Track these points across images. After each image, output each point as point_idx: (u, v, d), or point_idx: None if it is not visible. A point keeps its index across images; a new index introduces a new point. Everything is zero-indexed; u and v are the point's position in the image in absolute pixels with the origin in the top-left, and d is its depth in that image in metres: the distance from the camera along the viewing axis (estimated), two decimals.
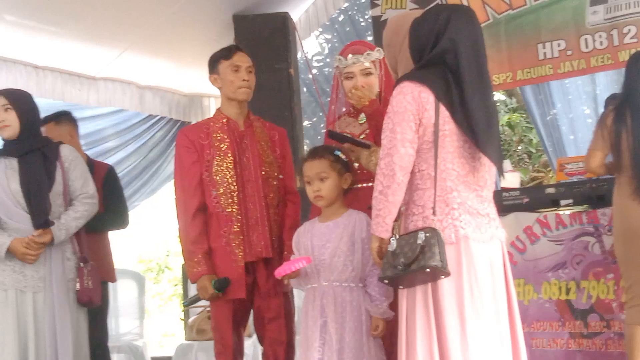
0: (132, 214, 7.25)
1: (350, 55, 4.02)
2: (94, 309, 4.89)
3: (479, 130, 3.10)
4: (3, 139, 4.37)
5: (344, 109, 4.20)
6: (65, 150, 4.34)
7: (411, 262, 3.01)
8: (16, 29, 5.79)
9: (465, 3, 6.28)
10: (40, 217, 4.19)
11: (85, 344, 4.33)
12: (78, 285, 4.22)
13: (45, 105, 6.39)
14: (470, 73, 3.13)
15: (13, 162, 4.26)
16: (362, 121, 4.04)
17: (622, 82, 4.73)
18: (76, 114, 6.73)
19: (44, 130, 4.72)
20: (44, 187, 4.22)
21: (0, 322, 4.19)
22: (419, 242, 3.00)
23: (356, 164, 3.86)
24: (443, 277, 3.02)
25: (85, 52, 6.29)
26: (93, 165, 5.12)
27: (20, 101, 4.32)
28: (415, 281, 3.08)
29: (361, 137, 4.01)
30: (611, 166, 4.65)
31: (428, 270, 2.99)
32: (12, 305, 4.18)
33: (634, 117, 4.53)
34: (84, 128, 6.84)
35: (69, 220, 4.24)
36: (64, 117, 5.13)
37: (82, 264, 4.28)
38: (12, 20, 5.70)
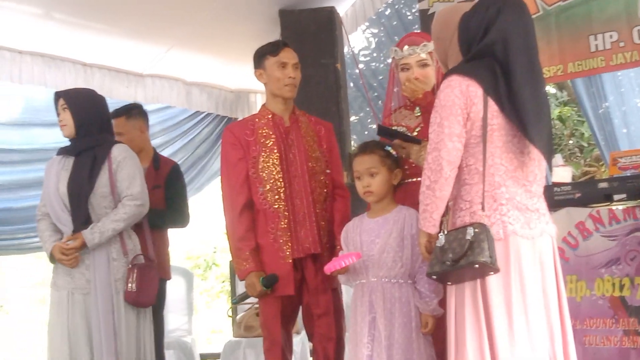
0: None
1: (406, 47, 4.02)
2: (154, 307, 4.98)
3: (528, 122, 3.07)
4: (66, 138, 4.48)
5: (393, 103, 4.21)
6: (116, 151, 4.37)
7: (460, 258, 3.02)
8: (64, 27, 5.87)
9: None
10: (79, 221, 4.25)
11: (148, 344, 4.37)
12: (125, 287, 4.26)
13: None
14: (520, 65, 3.10)
15: (69, 162, 4.36)
16: (418, 114, 4.04)
17: None
18: None
19: (115, 123, 4.77)
20: (85, 190, 4.27)
21: (53, 321, 4.29)
22: (468, 237, 3.00)
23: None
24: (492, 273, 3.02)
25: (133, 49, 6.35)
26: (159, 161, 5.19)
27: (75, 101, 4.40)
28: (463, 277, 3.09)
29: (417, 129, 4.01)
30: None
31: (477, 266, 2.99)
32: (64, 306, 4.27)
33: None
34: None
35: (107, 223, 4.24)
36: (135, 112, 5.18)
37: (130, 265, 4.30)
38: (61, 18, 5.78)
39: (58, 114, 4.43)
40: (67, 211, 4.29)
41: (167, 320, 6.30)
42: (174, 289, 6.38)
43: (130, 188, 4.33)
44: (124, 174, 4.34)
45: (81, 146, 4.36)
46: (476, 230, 3.01)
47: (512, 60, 3.11)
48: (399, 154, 3.73)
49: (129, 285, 4.25)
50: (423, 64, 3.99)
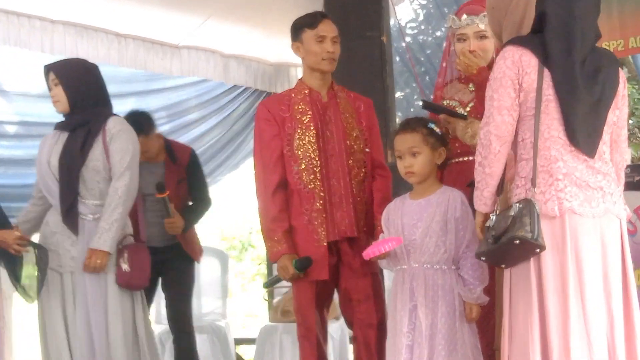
0: (215, 189, 7.40)
1: (464, 16, 3.95)
2: (179, 290, 5.00)
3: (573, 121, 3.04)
4: (60, 113, 4.45)
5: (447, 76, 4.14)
6: (111, 123, 4.32)
7: (501, 235, 3.00)
8: None
9: None
10: (67, 194, 4.24)
11: (139, 328, 4.34)
12: (117, 268, 4.23)
13: (128, 74, 6.54)
14: (562, 41, 3.06)
15: (64, 137, 4.34)
16: (472, 88, 3.98)
17: None
18: (158, 84, 6.92)
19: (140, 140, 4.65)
20: (76, 163, 4.25)
21: (47, 305, 4.30)
22: (511, 214, 2.98)
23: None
24: (538, 250, 2.97)
25: (168, 19, 6.36)
26: (172, 150, 5.19)
27: (68, 75, 4.36)
28: (513, 258, 3.05)
29: (470, 104, 3.97)
30: None
31: (517, 242, 2.95)
32: (55, 286, 4.28)
33: None
34: (166, 99, 7.00)
35: (107, 222, 4.18)
36: (148, 126, 5.12)
37: (120, 246, 4.26)
38: None
39: (50, 89, 4.39)
40: (57, 184, 4.29)
41: (200, 304, 6.37)
42: (208, 271, 6.42)
43: (121, 162, 4.26)
44: (117, 146, 4.29)
45: (76, 121, 4.34)
46: (520, 205, 2.98)
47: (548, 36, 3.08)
48: (445, 129, 3.68)
49: (122, 266, 4.22)
50: (481, 36, 3.90)
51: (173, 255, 5.14)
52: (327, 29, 4.14)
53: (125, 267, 4.21)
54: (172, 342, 5.37)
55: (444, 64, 4.21)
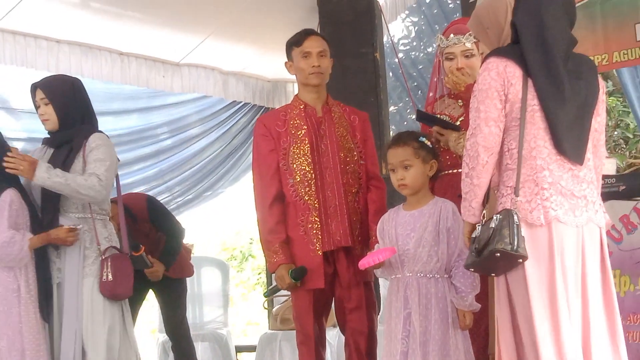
0: (216, 202, 7.42)
1: (451, 35, 3.98)
2: (171, 297, 5.00)
3: (558, 129, 3.03)
4: (46, 131, 4.39)
5: (438, 91, 4.17)
6: (92, 138, 4.26)
7: (483, 248, 2.98)
8: (101, 16, 5.90)
9: None
10: (49, 210, 4.20)
11: (127, 338, 4.30)
12: (100, 279, 4.19)
13: (131, 92, 6.56)
14: (539, 50, 3.05)
15: (49, 153, 4.30)
16: (462, 103, 4.00)
17: None
18: (160, 101, 6.95)
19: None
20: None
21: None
22: (492, 225, 2.95)
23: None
24: (520, 261, 2.94)
25: (169, 38, 6.39)
26: (129, 210, 5.08)
27: (57, 94, 4.30)
28: (500, 268, 3.02)
29: (460, 119, 3.98)
30: None
31: (498, 254, 2.92)
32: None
33: None
34: (168, 115, 7.02)
35: (61, 173, 4.10)
36: None
37: (102, 257, 4.22)
38: (97, 7, 5.82)
39: (37, 106, 4.33)
40: (39, 199, 4.25)
41: (202, 312, 6.37)
42: (210, 280, 6.42)
43: (97, 169, 4.19)
44: (94, 156, 4.22)
45: (61, 138, 4.30)
46: (500, 217, 2.95)
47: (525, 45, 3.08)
48: (437, 141, 3.69)
49: (104, 275, 4.18)
50: (468, 54, 3.93)
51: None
52: (313, 44, 4.15)
53: (106, 276, 4.18)
54: (171, 349, 5.39)
55: (435, 79, 4.23)
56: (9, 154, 4.14)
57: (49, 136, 4.38)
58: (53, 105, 4.28)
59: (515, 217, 2.94)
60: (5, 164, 4.13)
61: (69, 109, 4.31)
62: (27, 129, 6.14)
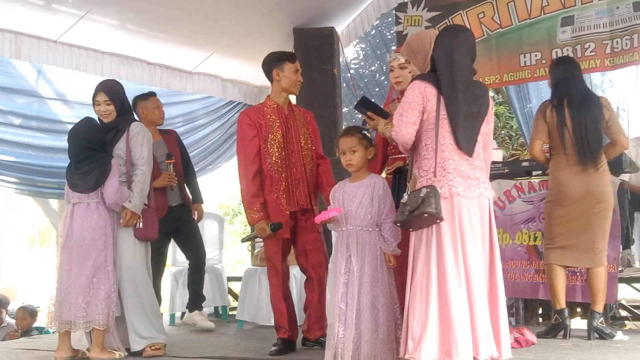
0: (216, 174, 7.38)
1: (393, 54, 4.00)
2: (197, 234, 5.11)
3: (457, 130, 3.14)
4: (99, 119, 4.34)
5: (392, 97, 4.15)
6: (133, 126, 4.26)
7: (414, 209, 3.04)
8: (135, 35, 5.83)
9: (466, 23, 6.19)
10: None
11: (146, 265, 4.25)
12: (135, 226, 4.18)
13: (156, 91, 6.48)
14: (448, 77, 3.12)
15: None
16: None
17: (552, 80, 4.40)
18: (177, 99, 6.85)
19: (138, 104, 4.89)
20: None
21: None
22: (421, 195, 3.04)
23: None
24: (438, 221, 3.03)
25: (185, 53, 6.31)
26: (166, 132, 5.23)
27: (117, 97, 4.28)
28: (420, 224, 3.09)
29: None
30: (552, 145, 4.37)
31: (426, 215, 3.01)
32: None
33: (571, 106, 4.27)
34: (182, 109, 6.95)
35: (136, 190, 4.16)
36: (150, 95, 5.19)
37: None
38: (132, 28, 5.75)
39: (98, 103, 4.27)
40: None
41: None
42: (210, 229, 6.40)
43: (141, 152, 4.21)
44: (136, 141, 4.22)
45: (110, 126, 4.27)
46: (427, 190, 3.04)
47: (440, 73, 3.15)
48: (370, 124, 3.62)
49: (137, 225, 4.17)
50: (402, 67, 3.90)
51: (185, 213, 5.20)
52: (298, 65, 4.21)
53: (139, 225, 4.18)
54: (189, 269, 5.33)
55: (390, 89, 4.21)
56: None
57: (98, 122, 4.31)
58: (114, 105, 4.25)
59: (439, 191, 3.04)
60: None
61: (122, 107, 4.30)
62: (79, 115, 6.02)
